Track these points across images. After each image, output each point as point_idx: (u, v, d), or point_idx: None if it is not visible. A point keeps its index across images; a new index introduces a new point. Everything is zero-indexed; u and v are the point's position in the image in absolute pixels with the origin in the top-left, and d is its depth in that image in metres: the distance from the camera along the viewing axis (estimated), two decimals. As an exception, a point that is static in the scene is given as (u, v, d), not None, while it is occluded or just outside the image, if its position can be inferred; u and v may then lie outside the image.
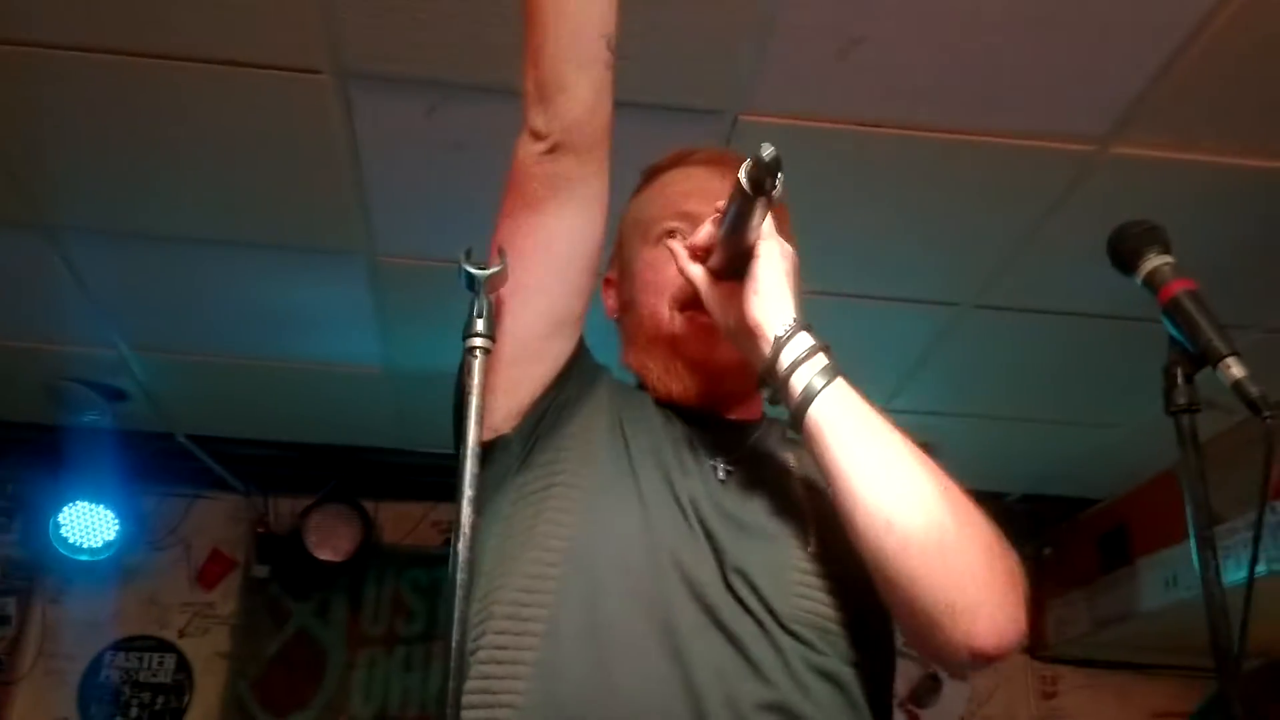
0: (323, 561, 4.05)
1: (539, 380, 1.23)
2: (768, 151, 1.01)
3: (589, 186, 1.20)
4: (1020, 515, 4.35)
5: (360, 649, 4.20)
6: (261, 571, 4.21)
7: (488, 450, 1.16)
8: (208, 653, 4.16)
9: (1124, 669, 4.36)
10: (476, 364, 1.10)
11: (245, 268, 2.89)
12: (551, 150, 1.16)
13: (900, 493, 1.05)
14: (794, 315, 1.13)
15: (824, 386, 1.09)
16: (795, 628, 1.11)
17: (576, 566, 1.14)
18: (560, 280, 1.22)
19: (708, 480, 1.20)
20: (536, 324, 1.22)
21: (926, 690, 4.35)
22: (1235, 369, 1.08)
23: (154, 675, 4.11)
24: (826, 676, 1.10)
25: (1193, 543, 1.10)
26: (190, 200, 2.61)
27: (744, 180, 1.04)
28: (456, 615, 1.00)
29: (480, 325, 1.12)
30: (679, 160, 1.39)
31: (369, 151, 2.40)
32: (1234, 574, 2.16)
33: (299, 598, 4.24)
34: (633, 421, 1.25)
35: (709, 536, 1.14)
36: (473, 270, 1.13)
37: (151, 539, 4.22)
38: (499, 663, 1.12)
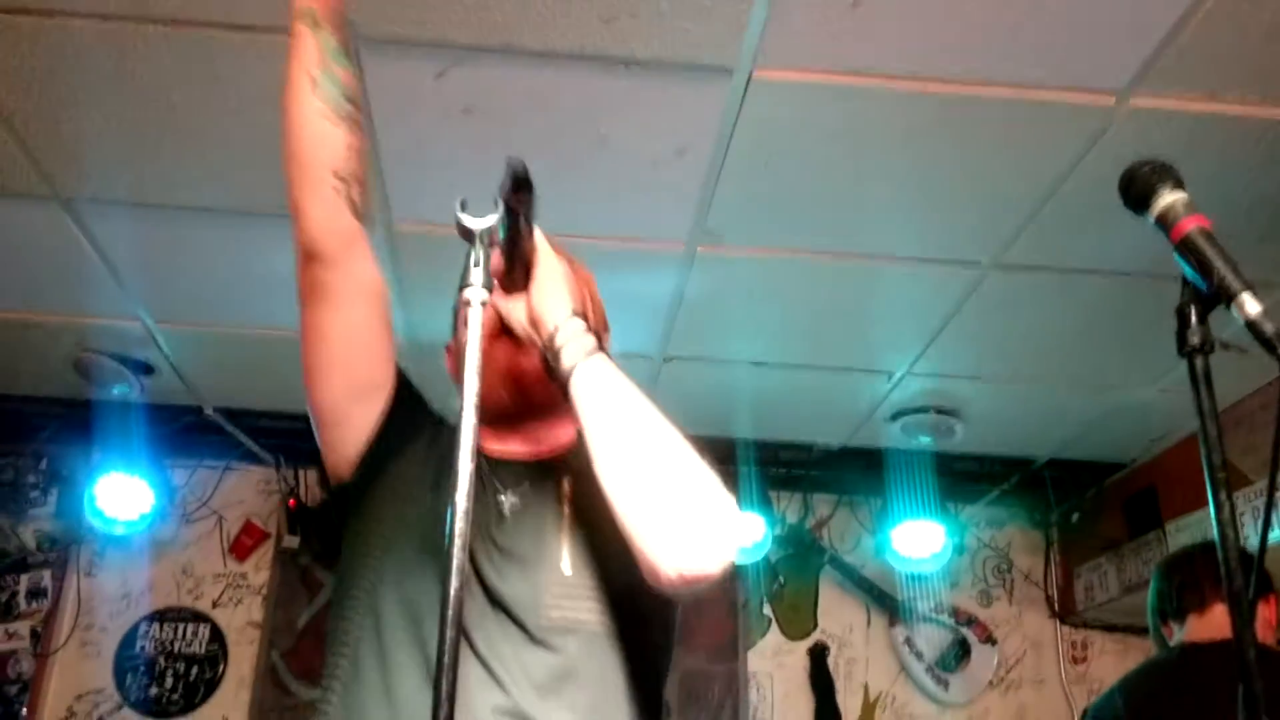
0: (352, 533, 4.07)
1: (359, 438, 1.48)
2: (514, 162, 1.21)
3: (346, 285, 1.40)
4: (1048, 481, 4.32)
5: (389, 619, 4.22)
6: (293, 543, 4.25)
7: (336, 496, 1.51)
8: (241, 623, 4.22)
9: (1154, 633, 4.32)
10: (473, 315, 1.10)
11: (265, 238, 2.88)
12: (305, 259, 1.38)
13: (630, 440, 1.28)
14: (571, 306, 1.36)
15: (585, 359, 1.31)
16: (546, 638, 1.35)
17: (373, 612, 1.42)
18: (345, 359, 1.44)
19: (489, 517, 1.43)
20: (339, 394, 1.46)
21: (954, 656, 4.34)
22: (1250, 306, 1.04)
23: (188, 646, 4.17)
24: (571, 678, 1.35)
25: (1208, 483, 1.07)
26: (206, 170, 2.61)
27: (502, 195, 1.21)
28: (455, 565, 1.00)
29: (476, 276, 1.11)
30: None
31: (381, 116, 2.39)
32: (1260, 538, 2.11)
33: (330, 568, 4.27)
34: (445, 468, 1.37)
35: (478, 573, 1.38)
36: (467, 221, 1.13)
37: (184, 511, 4.28)
38: (332, 690, 1.45)
